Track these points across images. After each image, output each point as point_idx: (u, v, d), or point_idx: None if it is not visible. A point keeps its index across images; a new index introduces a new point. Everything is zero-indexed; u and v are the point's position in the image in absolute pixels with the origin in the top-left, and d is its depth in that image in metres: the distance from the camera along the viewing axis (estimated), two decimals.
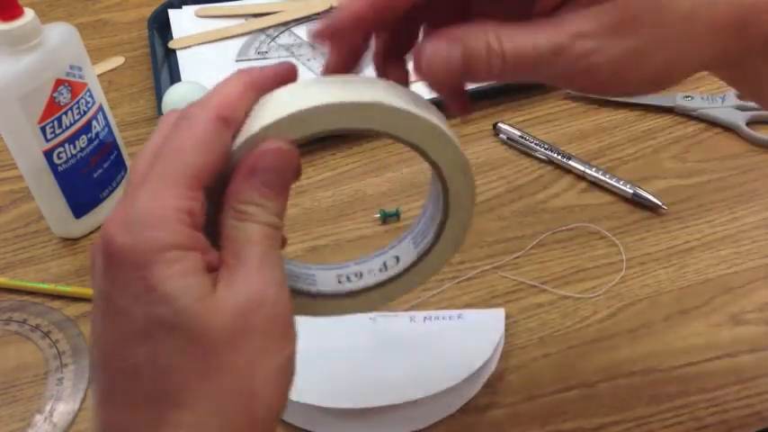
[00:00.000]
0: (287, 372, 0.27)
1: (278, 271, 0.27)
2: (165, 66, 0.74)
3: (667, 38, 0.28)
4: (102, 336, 0.27)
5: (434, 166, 0.31)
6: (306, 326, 0.39)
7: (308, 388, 0.43)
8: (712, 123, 0.65)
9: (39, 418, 0.47)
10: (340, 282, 0.35)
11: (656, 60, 0.28)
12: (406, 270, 0.35)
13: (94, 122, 0.56)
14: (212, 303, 0.25)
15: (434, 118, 0.30)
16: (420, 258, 0.35)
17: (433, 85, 0.29)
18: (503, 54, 0.27)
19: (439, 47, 0.28)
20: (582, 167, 0.60)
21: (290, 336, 0.27)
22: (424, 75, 0.28)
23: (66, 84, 0.52)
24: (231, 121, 0.28)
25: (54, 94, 0.52)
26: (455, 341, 0.48)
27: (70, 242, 0.59)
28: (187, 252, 0.25)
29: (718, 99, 0.65)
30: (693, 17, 0.27)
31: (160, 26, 0.79)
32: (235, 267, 0.27)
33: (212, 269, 0.27)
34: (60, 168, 0.54)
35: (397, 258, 0.35)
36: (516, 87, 0.68)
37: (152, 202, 0.26)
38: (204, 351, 0.25)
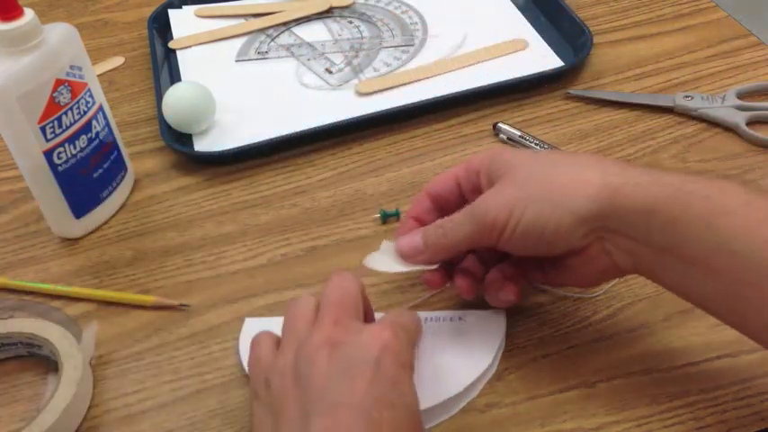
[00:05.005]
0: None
1: None
2: (165, 66, 0.74)
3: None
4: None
5: None
6: None
7: None
8: (712, 123, 0.65)
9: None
10: None
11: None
12: None
13: (94, 122, 0.56)
14: None
15: None
16: None
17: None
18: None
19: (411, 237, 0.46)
20: None
21: None
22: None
23: (66, 84, 0.52)
24: None
25: (54, 94, 0.52)
26: (456, 342, 0.48)
27: (70, 242, 0.59)
28: None
29: (718, 99, 0.65)
30: (568, 186, 0.42)
31: (160, 26, 0.79)
32: None
33: None
34: (60, 168, 0.54)
35: None
36: (516, 88, 0.68)
37: None
38: None
